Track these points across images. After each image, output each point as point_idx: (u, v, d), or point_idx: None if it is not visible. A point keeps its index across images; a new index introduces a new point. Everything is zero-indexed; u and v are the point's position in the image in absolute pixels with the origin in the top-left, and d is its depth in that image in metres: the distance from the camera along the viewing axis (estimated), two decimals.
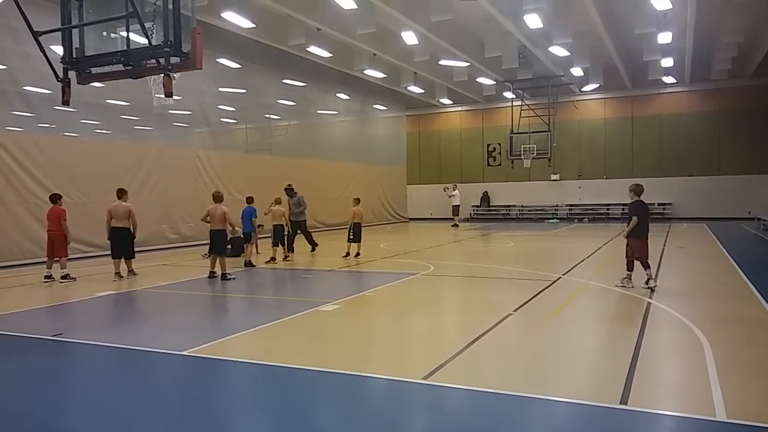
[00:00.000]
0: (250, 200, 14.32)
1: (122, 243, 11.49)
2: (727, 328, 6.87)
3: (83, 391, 5.26)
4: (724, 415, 4.19)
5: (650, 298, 8.63)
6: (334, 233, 22.05)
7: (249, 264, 13.10)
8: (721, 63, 24.07)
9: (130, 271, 11.70)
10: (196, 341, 6.48)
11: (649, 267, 9.46)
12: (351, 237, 14.51)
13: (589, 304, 8.69)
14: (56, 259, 11.30)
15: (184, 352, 6.10)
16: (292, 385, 5.18)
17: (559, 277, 10.82)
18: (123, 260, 11.59)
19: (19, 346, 6.72)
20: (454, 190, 27.18)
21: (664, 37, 19.49)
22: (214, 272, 11.32)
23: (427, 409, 4.69)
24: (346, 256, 14.34)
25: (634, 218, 9.38)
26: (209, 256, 11.70)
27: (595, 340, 6.75)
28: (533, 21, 17.56)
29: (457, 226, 26.45)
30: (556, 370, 5.48)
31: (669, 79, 26.83)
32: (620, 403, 4.44)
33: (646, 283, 9.39)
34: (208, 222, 11.50)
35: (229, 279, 11.13)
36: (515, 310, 7.92)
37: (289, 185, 15.84)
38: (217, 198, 11.58)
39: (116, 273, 11.39)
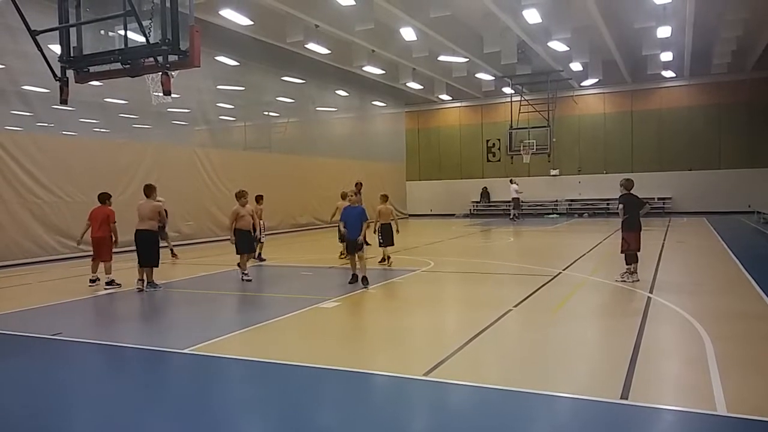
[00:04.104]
0: (345, 196, 11.31)
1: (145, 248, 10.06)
2: (727, 323, 6.87)
3: (82, 391, 5.25)
4: (725, 409, 4.20)
5: (650, 292, 8.63)
6: (333, 230, 21.98)
7: (366, 282, 10.02)
8: (721, 57, 24.00)
9: (149, 282, 10.13)
10: (196, 339, 6.48)
11: (637, 261, 9.61)
12: (381, 241, 12.26)
13: (590, 300, 8.68)
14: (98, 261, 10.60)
15: (185, 350, 6.11)
16: (293, 382, 5.18)
17: (560, 273, 10.82)
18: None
19: (19, 345, 6.72)
20: (512, 183, 28.12)
21: (664, 32, 19.43)
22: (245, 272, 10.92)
23: (428, 405, 4.69)
24: (381, 261, 12.55)
25: (621, 205, 9.65)
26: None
27: (596, 336, 6.77)
28: (532, 16, 17.53)
29: (515, 218, 27.39)
30: (557, 365, 5.49)
31: (668, 74, 26.75)
32: (621, 398, 4.45)
33: (624, 275, 9.57)
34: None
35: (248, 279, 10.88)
36: (516, 306, 7.93)
37: (359, 183, 14.86)
38: (241, 196, 10.93)
39: (139, 280, 10.06)
